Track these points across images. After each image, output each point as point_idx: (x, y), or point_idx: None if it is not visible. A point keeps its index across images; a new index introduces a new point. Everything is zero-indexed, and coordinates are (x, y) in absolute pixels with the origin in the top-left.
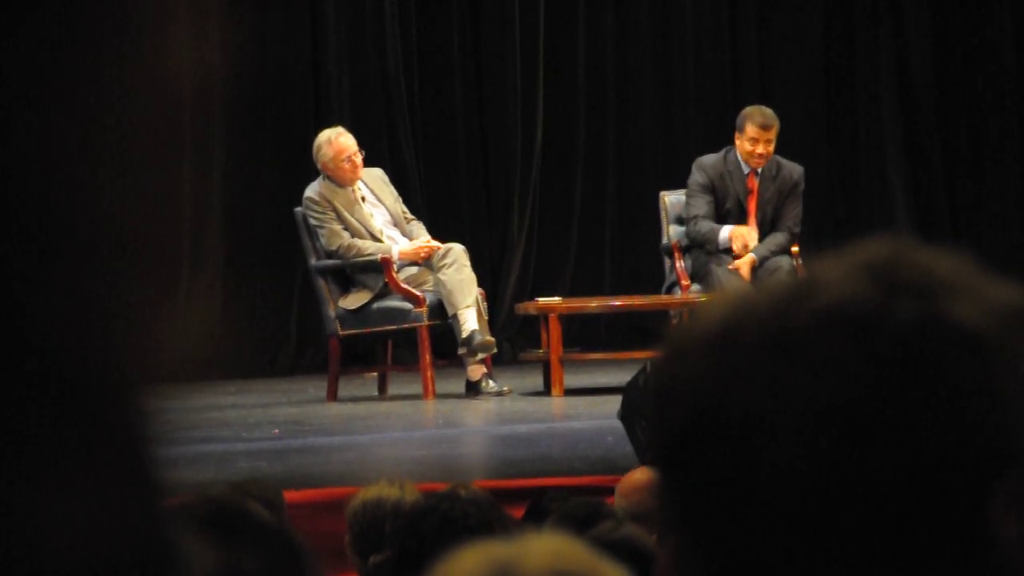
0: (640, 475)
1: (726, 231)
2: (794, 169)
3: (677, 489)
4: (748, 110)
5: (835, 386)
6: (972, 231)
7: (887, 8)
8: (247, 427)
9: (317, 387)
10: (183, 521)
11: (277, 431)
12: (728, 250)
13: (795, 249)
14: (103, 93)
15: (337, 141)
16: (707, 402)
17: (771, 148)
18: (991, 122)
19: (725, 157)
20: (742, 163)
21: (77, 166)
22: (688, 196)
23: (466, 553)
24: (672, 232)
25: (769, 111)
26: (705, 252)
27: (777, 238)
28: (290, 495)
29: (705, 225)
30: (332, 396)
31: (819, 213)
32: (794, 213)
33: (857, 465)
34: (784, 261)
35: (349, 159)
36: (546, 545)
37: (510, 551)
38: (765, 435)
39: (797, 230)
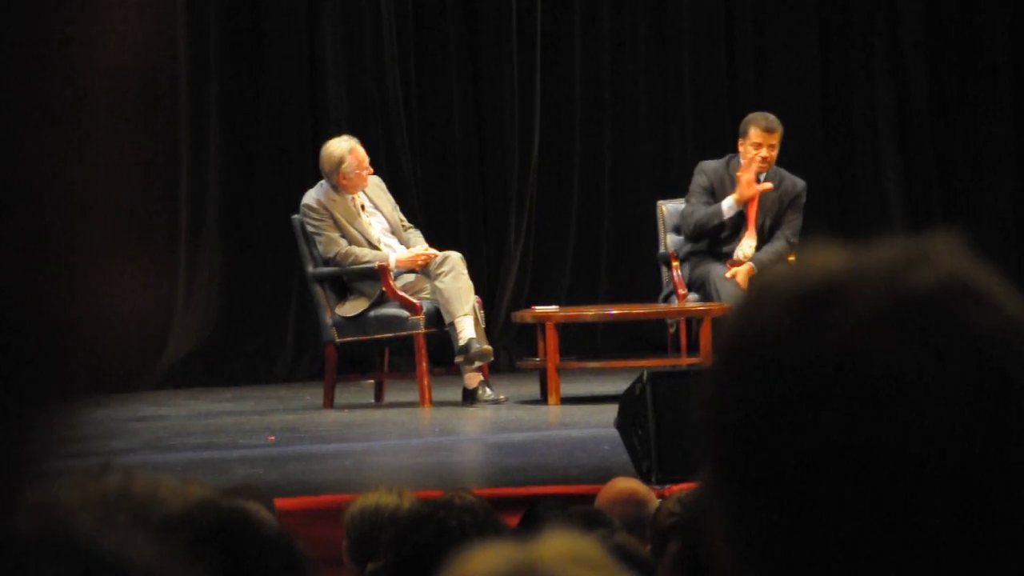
0: (622, 485)
1: (728, 199)
2: (797, 182)
3: (765, 460)
4: (751, 115)
5: (983, 350)
6: (967, 239)
7: (884, 18)
8: (243, 434)
9: (313, 394)
10: (185, 528)
11: (272, 438)
12: (727, 256)
13: (791, 259)
14: (46, 64)
15: (358, 151)
16: (821, 369)
17: (774, 153)
18: (985, 131)
19: (728, 163)
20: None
21: (21, 137)
22: (688, 197)
23: (481, 552)
24: (669, 241)
25: (772, 116)
26: (707, 247)
27: (775, 246)
28: (286, 502)
29: (701, 210)
30: (328, 403)
31: (814, 222)
32: (793, 224)
33: (1011, 429)
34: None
35: (366, 168)
36: (562, 543)
37: (527, 549)
38: (916, 397)
39: (795, 240)
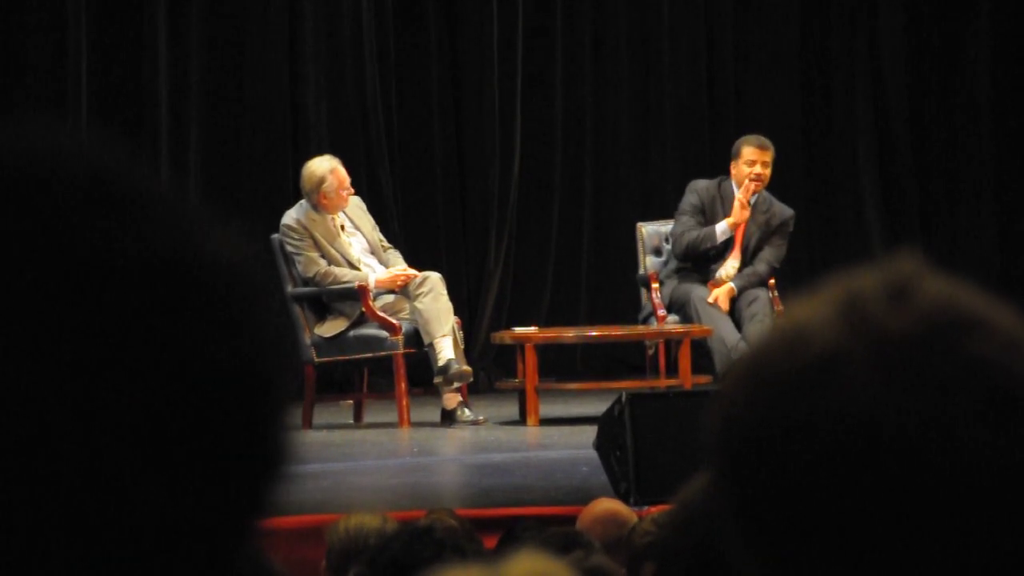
0: (604, 505)
1: (722, 224)
2: (785, 210)
3: (789, 514)
4: (744, 137)
5: (983, 376)
6: (946, 264)
7: (864, 46)
8: None
9: (292, 414)
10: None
11: None
12: (711, 275)
13: (772, 282)
14: None
15: (339, 171)
16: (832, 450)
17: (768, 172)
18: (965, 153)
19: (719, 185)
20: (736, 190)
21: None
22: (678, 215)
23: (446, 575)
24: (649, 263)
25: (765, 138)
26: (691, 267)
27: (757, 269)
28: (264, 523)
29: (694, 232)
30: (307, 423)
31: (795, 246)
32: (778, 250)
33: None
34: (762, 293)
35: (347, 188)
36: (525, 565)
37: (492, 571)
38: (929, 440)
39: (777, 265)
